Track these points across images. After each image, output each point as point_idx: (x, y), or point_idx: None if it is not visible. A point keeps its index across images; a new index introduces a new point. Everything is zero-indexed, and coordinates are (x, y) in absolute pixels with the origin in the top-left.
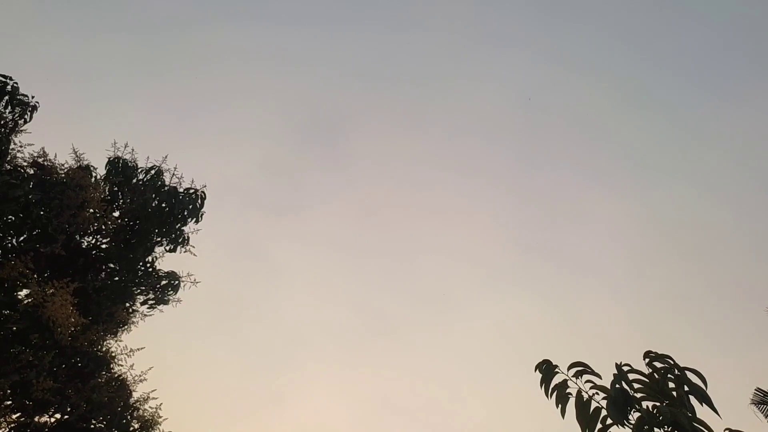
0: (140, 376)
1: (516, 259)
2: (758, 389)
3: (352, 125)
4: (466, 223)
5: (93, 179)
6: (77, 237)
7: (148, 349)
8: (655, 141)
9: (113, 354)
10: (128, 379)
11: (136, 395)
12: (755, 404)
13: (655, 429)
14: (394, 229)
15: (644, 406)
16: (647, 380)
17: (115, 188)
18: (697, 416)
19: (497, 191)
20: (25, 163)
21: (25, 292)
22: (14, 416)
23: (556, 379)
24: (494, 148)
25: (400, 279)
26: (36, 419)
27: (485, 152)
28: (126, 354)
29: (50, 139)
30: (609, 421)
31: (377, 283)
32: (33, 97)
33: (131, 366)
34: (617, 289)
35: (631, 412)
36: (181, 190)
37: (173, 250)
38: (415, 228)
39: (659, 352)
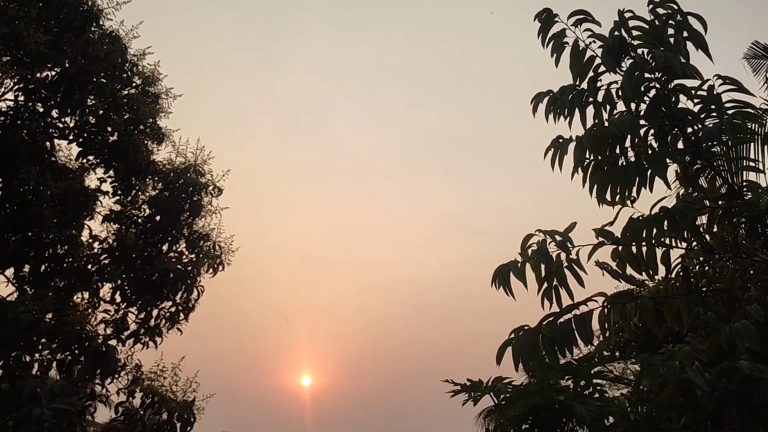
0: (131, 31)
1: None
2: (755, 42)
3: None
4: None
5: None
6: None
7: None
8: None
9: (100, 7)
10: (122, 35)
11: (132, 51)
12: (747, 58)
13: (646, 74)
14: None
15: (640, 53)
16: (648, 27)
17: None
18: (690, 62)
19: None
20: None
21: None
22: (14, 71)
23: (555, 29)
24: None
25: None
26: (38, 75)
27: None
28: (113, 8)
29: None
30: (602, 68)
31: None
32: None
33: (122, 22)
34: None
35: (625, 59)
36: None
37: None
38: None
39: None
